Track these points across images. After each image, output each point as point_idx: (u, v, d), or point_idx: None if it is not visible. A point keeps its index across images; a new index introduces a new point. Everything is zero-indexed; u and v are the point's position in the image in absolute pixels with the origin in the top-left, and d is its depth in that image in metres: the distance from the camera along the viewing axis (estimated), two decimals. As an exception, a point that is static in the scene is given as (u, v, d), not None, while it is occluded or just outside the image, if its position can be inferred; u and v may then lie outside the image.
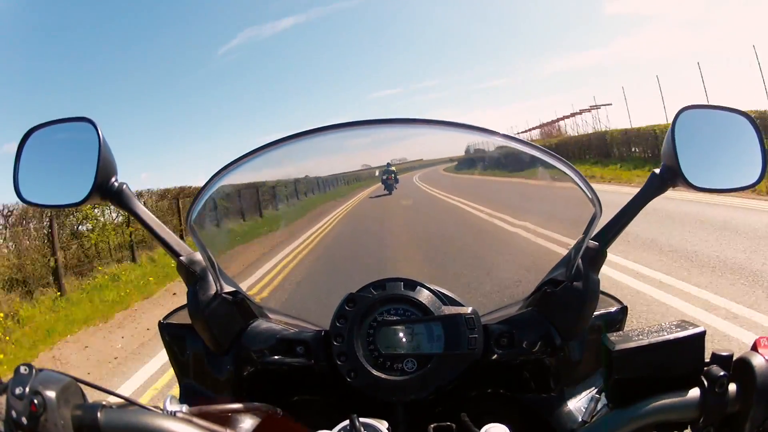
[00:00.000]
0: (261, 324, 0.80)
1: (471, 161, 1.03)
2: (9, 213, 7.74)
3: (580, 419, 0.68)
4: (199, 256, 0.78)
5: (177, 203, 11.68)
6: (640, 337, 0.58)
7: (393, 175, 1.10)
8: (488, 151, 0.95)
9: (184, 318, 0.82)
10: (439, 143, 0.94)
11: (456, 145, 0.98)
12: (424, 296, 0.76)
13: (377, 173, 1.12)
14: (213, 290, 0.77)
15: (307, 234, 1.31)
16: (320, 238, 1.34)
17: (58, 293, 7.33)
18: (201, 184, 0.74)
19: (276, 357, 0.77)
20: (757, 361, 0.55)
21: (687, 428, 0.58)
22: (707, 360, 0.58)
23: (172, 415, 0.56)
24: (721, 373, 0.56)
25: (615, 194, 10.41)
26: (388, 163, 1.06)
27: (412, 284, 0.77)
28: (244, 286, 0.86)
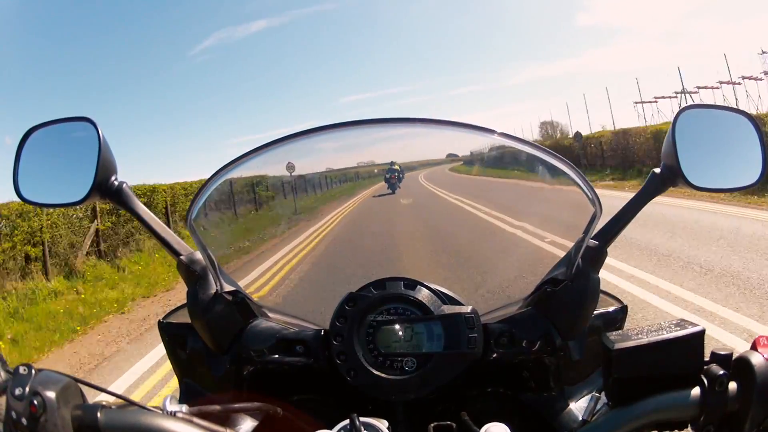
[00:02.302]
0: (261, 323, 0.80)
1: (476, 160, 1.03)
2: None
3: (580, 418, 0.68)
4: (199, 255, 0.78)
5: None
6: (640, 336, 0.58)
7: (396, 174, 1.10)
8: (492, 151, 0.95)
9: (184, 317, 0.82)
10: (444, 143, 0.94)
11: (462, 144, 0.98)
12: (423, 295, 0.76)
13: (377, 171, 1.12)
14: (213, 289, 0.77)
15: (309, 232, 1.31)
16: (321, 237, 1.33)
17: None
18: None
19: (276, 356, 0.77)
20: (756, 359, 0.55)
21: (687, 427, 0.58)
22: (707, 359, 0.58)
23: (172, 415, 0.56)
24: (721, 372, 0.56)
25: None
26: (391, 162, 1.06)
27: (412, 283, 0.77)
28: (244, 284, 0.86)
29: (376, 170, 1.12)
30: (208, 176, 0.73)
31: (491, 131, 0.71)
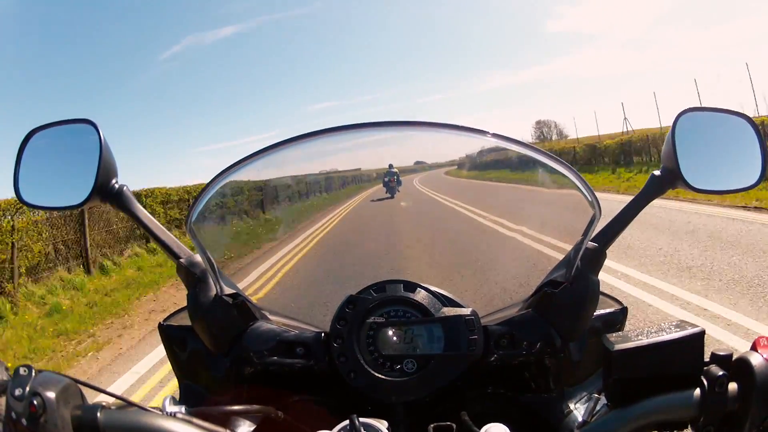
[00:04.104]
0: (261, 325, 0.80)
1: (473, 164, 1.03)
2: None
3: (580, 419, 0.68)
4: (198, 258, 0.78)
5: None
6: (640, 337, 0.58)
7: (395, 177, 1.09)
8: (490, 154, 0.95)
9: (184, 320, 0.82)
10: (441, 146, 0.94)
11: (459, 147, 0.98)
12: (423, 298, 0.76)
13: (377, 176, 1.12)
14: (213, 292, 0.77)
15: (307, 235, 1.31)
16: (320, 240, 1.34)
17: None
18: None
19: (276, 358, 0.77)
20: (756, 360, 0.55)
21: (687, 428, 0.58)
22: (706, 360, 0.58)
23: (172, 416, 0.56)
24: (721, 373, 0.56)
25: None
26: (390, 165, 1.05)
27: (411, 286, 0.77)
28: (242, 285, 0.86)
29: (375, 174, 1.12)
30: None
31: (484, 132, 0.72)
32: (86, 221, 8.81)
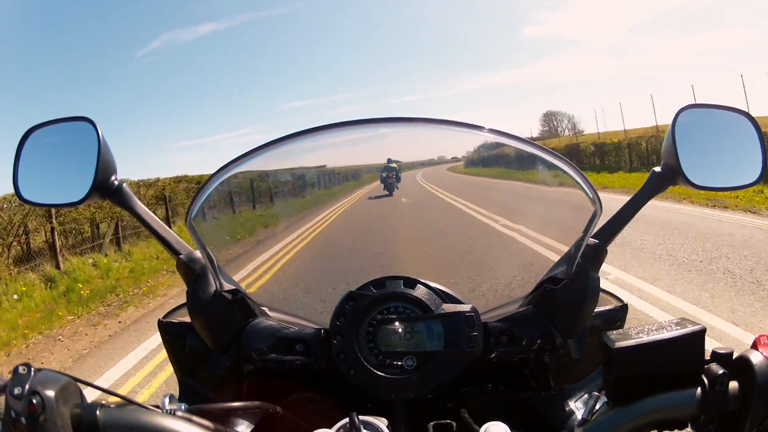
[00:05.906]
0: (260, 322, 0.80)
1: (476, 160, 1.02)
2: None
3: (580, 417, 0.68)
4: (198, 254, 0.78)
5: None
6: (640, 335, 0.58)
7: (394, 173, 1.07)
8: (490, 150, 0.95)
9: (183, 316, 0.82)
10: (441, 142, 0.94)
11: (462, 144, 0.97)
12: (423, 294, 0.76)
13: (374, 170, 1.11)
14: (213, 288, 0.77)
15: (304, 230, 1.30)
16: (318, 237, 1.33)
17: None
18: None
19: (275, 355, 0.77)
20: (756, 359, 0.55)
21: (687, 426, 0.58)
22: (707, 358, 0.58)
23: (171, 413, 0.56)
24: (721, 371, 0.56)
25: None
26: (389, 159, 1.04)
27: (411, 282, 0.77)
28: (239, 277, 0.86)
29: (374, 169, 1.11)
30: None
31: (481, 128, 0.71)
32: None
